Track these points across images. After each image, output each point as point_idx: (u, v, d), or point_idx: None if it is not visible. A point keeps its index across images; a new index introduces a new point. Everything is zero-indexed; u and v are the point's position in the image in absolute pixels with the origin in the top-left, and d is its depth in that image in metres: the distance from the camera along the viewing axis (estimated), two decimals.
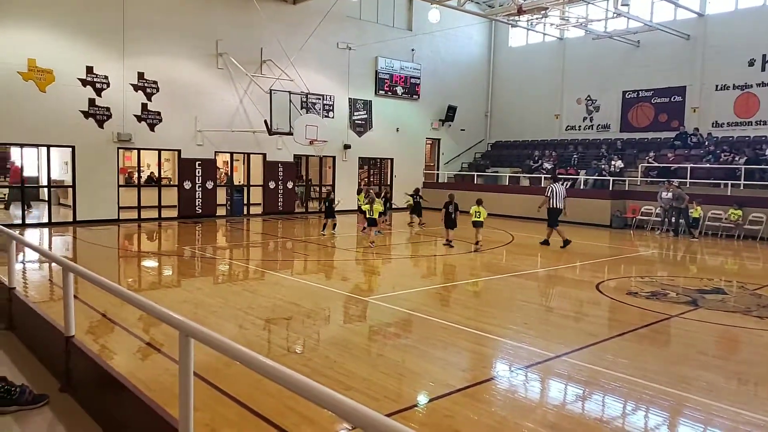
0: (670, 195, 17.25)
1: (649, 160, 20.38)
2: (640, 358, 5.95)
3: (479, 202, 13.66)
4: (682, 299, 8.76)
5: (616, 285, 9.88)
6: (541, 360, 5.80)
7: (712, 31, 20.66)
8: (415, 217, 17.84)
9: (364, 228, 14.50)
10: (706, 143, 20.08)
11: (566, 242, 13.95)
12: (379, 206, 14.12)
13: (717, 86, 20.60)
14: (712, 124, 20.75)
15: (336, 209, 16.10)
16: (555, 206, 14.30)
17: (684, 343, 6.77)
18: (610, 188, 19.91)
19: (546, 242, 14.52)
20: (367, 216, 13.76)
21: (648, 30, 20.97)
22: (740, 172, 17.68)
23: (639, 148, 22.06)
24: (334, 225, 16.03)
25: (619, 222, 19.11)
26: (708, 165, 18.88)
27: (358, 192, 17.27)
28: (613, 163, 20.94)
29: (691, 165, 18.95)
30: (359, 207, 15.68)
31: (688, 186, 17.85)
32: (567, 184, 14.82)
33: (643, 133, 22.68)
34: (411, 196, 18.15)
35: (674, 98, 21.74)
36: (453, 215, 13.50)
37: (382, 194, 18.24)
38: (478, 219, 13.42)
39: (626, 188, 20.09)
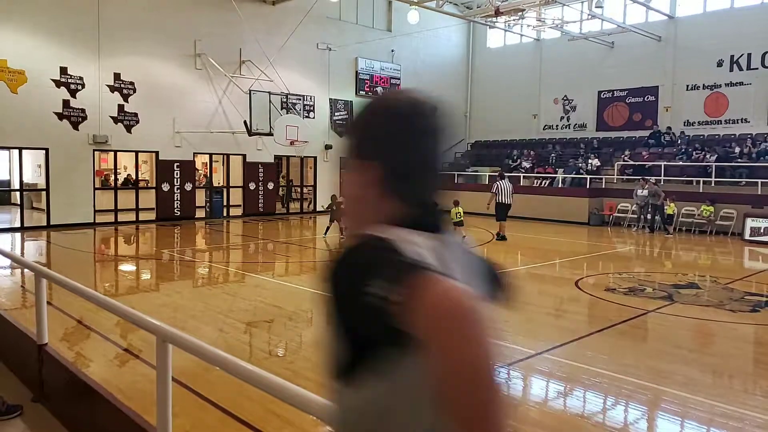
0: (645, 192, 17.54)
1: (625, 158, 20.71)
2: (619, 354, 6.04)
3: (456, 203, 14.12)
4: (658, 294, 8.92)
5: (594, 281, 10.02)
6: (522, 357, 5.85)
7: (682, 32, 21.08)
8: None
9: None
10: (679, 142, 20.47)
11: (502, 237, 14.81)
12: None
13: (688, 86, 21.02)
14: (684, 122, 21.17)
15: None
16: (503, 201, 15.06)
17: (661, 338, 6.89)
18: (588, 186, 20.18)
19: (503, 237, 14.98)
20: None
21: (621, 31, 21.31)
22: (711, 170, 18.07)
23: (615, 146, 22.40)
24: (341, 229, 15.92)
25: (597, 219, 19.38)
26: (681, 163, 19.26)
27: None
28: (590, 161, 21.23)
29: (665, 163, 19.31)
30: None
31: (662, 183, 18.17)
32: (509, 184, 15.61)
33: (619, 132, 23.03)
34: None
35: (647, 98, 22.13)
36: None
37: None
38: (458, 219, 13.80)
39: (603, 186, 20.38)
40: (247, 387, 2.90)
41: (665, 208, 17.39)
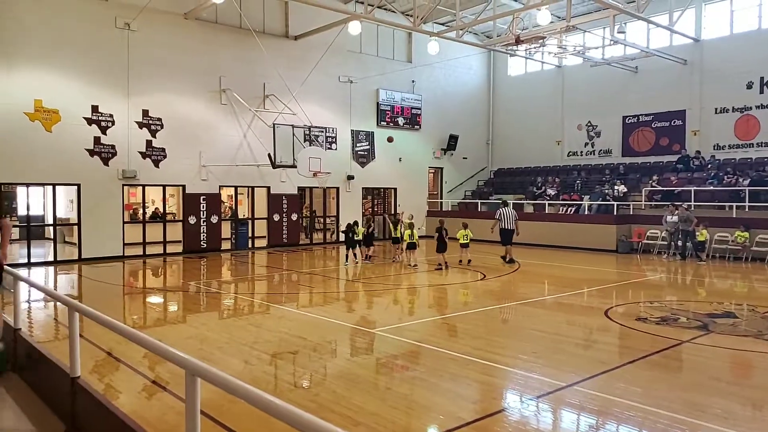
0: (675, 218, 17.20)
1: (653, 183, 20.39)
2: (652, 386, 5.84)
3: (465, 226, 15.70)
4: (692, 324, 8.65)
5: (624, 311, 9.77)
6: (552, 390, 5.70)
7: (708, 55, 20.93)
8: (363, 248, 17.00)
9: (399, 254, 16.05)
10: (709, 166, 20.10)
11: (511, 260, 15.76)
12: (407, 231, 15.57)
13: (716, 109, 20.74)
14: (714, 146, 20.82)
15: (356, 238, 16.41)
16: (506, 227, 16.00)
17: (697, 369, 6.66)
18: (615, 213, 19.88)
19: (512, 261, 15.84)
20: (407, 240, 15.42)
21: (645, 56, 21.24)
22: (744, 194, 17.66)
23: (642, 172, 22.11)
24: (355, 255, 16.43)
25: (625, 247, 19.01)
26: (711, 187, 18.87)
27: (396, 223, 17.13)
28: (616, 187, 20.95)
29: (695, 188, 18.95)
30: (397, 236, 16.66)
31: (692, 209, 17.79)
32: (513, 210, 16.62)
33: (645, 157, 22.76)
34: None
35: (674, 122, 21.88)
36: (444, 240, 14.85)
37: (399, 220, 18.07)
38: (465, 241, 15.51)
39: (631, 212, 20.05)
40: (271, 420, 2.88)
41: (696, 234, 16.99)
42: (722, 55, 20.52)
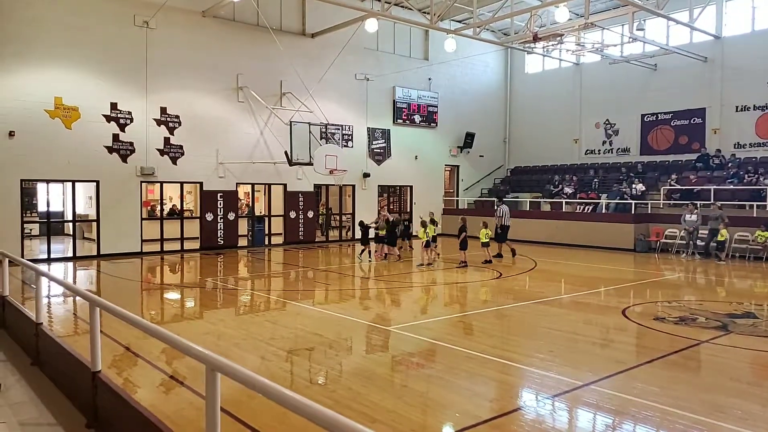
0: (694, 217, 16.96)
1: (671, 182, 20.12)
2: (670, 386, 5.77)
3: (485, 225, 15.64)
4: (711, 324, 8.53)
5: (642, 310, 9.67)
6: (568, 389, 5.66)
7: (729, 52, 20.57)
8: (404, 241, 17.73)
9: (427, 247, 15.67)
10: (729, 164, 19.78)
11: (499, 255, 16.28)
12: (431, 230, 15.55)
13: (737, 107, 20.39)
14: (734, 145, 20.48)
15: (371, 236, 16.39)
16: (505, 224, 16.72)
17: (716, 370, 6.56)
18: (633, 212, 19.65)
19: (499, 255, 16.30)
20: (424, 238, 15.43)
21: (665, 53, 20.95)
22: (765, 193, 17.34)
23: (660, 170, 21.82)
24: (369, 252, 16.29)
25: (643, 246, 18.79)
26: (732, 186, 18.56)
27: (423, 225, 16.83)
28: (634, 186, 20.71)
29: (715, 187, 18.66)
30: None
31: (711, 208, 17.52)
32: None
33: (664, 156, 22.46)
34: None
35: (694, 120, 21.55)
36: (466, 239, 14.76)
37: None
38: (485, 240, 15.46)
39: (649, 211, 19.81)
40: (289, 415, 2.90)
41: (717, 235, 16.72)
42: (743, 52, 20.15)
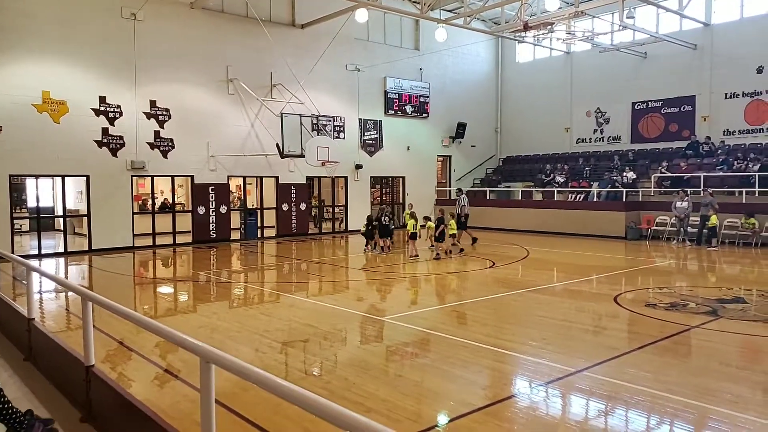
0: (684, 204, 17.10)
1: (662, 170, 20.24)
2: (662, 371, 5.85)
3: (451, 216, 16.20)
4: (702, 309, 8.63)
5: (634, 297, 9.76)
6: (561, 375, 5.72)
7: (718, 40, 20.65)
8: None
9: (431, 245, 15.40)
10: (719, 151, 19.92)
11: (474, 240, 17.31)
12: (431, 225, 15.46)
13: (726, 94, 20.50)
14: (724, 132, 20.62)
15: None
16: (467, 212, 17.74)
17: (706, 354, 6.65)
18: (624, 200, 19.76)
19: (474, 240, 17.34)
20: (410, 231, 15.25)
21: (655, 41, 21.00)
22: (754, 179, 17.49)
23: (651, 158, 21.94)
24: (378, 246, 16.01)
25: (634, 233, 18.92)
26: (721, 173, 18.71)
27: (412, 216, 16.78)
28: (625, 174, 20.82)
29: (704, 173, 18.80)
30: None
31: (701, 195, 17.67)
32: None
33: (655, 144, 22.58)
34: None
35: (684, 108, 21.66)
36: (444, 231, 14.91)
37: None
38: (453, 231, 15.74)
39: (640, 199, 19.94)
40: (284, 406, 2.90)
41: (707, 222, 16.87)
42: (733, 39, 20.24)
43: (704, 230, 16.91)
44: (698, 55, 21.08)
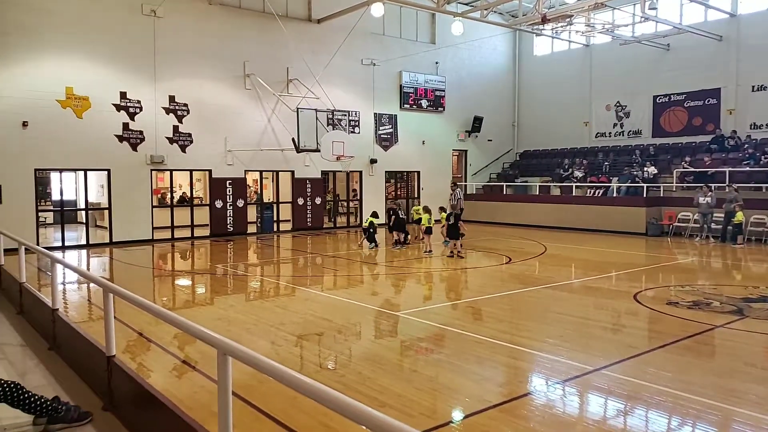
0: (708, 200, 16.77)
1: (685, 165, 19.88)
2: (684, 371, 5.74)
3: (443, 209, 15.59)
4: (726, 308, 8.46)
5: (654, 295, 9.61)
6: (579, 374, 5.65)
7: (745, 31, 20.17)
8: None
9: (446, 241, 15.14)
10: (745, 146, 19.49)
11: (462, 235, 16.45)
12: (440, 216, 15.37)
13: (753, 87, 20.03)
14: (750, 125, 20.16)
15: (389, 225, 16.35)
16: (461, 207, 17.76)
17: (730, 355, 6.51)
18: (645, 195, 19.46)
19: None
20: (426, 225, 15.09)
21: (678, 33, 20.59)
22: None
23: (673, 153, 21.56)
24: (395, 241, 15.98)
25: (655, 229, 18.63)
26: (748, 168, 18.30)
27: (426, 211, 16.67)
28: (646, 169, 20.49)
29: (730, 168, 18.40)
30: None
31: (726, 191, 17.32)
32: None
33: (677, 138, 22.18)
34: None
35: (708, 101, 21.23)
36: (457, 226, 14.30)
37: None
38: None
39: (661, 195, 19.62)
40: (300, 399, 2.89)
41: (732, 218, 16.53)
42: (760, 30, 19.74)
43: (729, 227, 16.58)
44: (723, 46, 20.62)
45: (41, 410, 3.99)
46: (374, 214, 16.45)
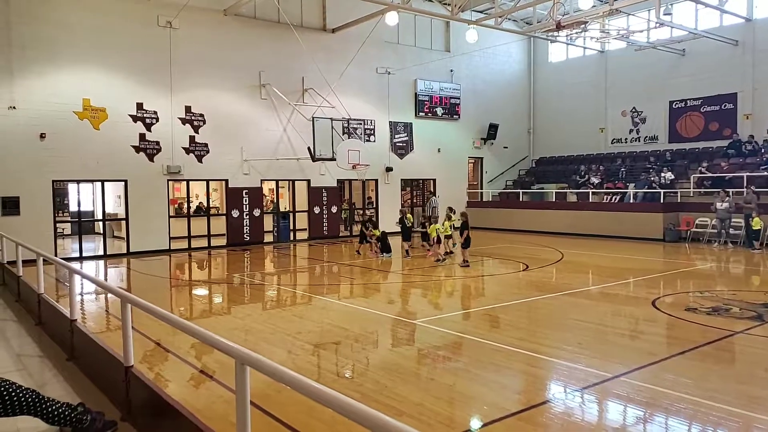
0: (726, 205, 16.54)
1: (702, 170, 19.64)
2: (704, 378, 5.66)
3: (448, 217, 15.19)
4: (746, 314, 8.32)
5: (673, 301, 9.48)
6: (598, 381, 5.59)
7: (761, 35, 19.93)
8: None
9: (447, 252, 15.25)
10: (763, 150, 19.21)
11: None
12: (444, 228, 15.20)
13: None
14: None
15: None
16: (437, 214, 18.50)
17: (751, 361, 6.40)
18: (662, 201, 19.24)
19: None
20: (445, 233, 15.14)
21: (693, 38, 20.41)
22: None
23: (690, 158, 21.31)
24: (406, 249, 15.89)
25: (673, 235, 18.40)
26: (766, 173, 18.02)
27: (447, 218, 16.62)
28: (662, 175, 20.27)
29: (747, 174, 18.14)
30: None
31: (744, 195, 17.05)
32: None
33: (694, 143, 21.93)
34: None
35: (725, 106, 20.97)
36: (469, 236, 13.94)
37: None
38: (449, 232, 15.18)
39: (678, 200, 19.38)
40: (317, 408, 2.90)
41: (750, 221, 16.28)
42: None
43: (746, 232, 16.32)
44: (740, 51, 20.39)
45: (65, 421, 4.00)
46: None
